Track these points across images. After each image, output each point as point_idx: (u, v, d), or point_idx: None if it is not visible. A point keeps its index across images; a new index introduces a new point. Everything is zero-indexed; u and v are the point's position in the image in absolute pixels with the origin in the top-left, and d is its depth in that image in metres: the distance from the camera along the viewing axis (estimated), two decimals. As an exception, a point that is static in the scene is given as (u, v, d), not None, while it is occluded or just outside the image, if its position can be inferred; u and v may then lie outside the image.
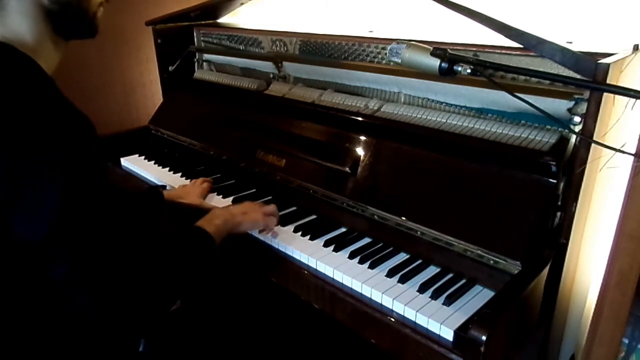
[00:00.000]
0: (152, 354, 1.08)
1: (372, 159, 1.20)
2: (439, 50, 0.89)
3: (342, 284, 1.02)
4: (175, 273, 0.87)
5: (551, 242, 0.96)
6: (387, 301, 0.95)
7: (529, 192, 0.96)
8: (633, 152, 0.82)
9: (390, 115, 1.26)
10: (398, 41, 0.94)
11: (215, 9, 1.86)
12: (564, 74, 0.90)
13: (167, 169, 1.60)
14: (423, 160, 1.13)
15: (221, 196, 1.39)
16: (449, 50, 0.89)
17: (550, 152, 0.98)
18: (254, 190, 1.42)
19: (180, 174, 1.56)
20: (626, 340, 1.10)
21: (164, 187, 1.43)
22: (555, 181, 0.95)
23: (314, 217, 1.27)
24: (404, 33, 1.28)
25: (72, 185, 0.73)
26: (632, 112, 0.86)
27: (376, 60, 1.31)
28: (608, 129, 0.93)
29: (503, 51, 1.06)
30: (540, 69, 0.98)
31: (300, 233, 1.18)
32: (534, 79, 1.02)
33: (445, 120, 1.16)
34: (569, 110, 0.98)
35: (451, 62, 0.88)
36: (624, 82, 0.93)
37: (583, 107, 0.93)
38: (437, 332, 0.87)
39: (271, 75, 1.63)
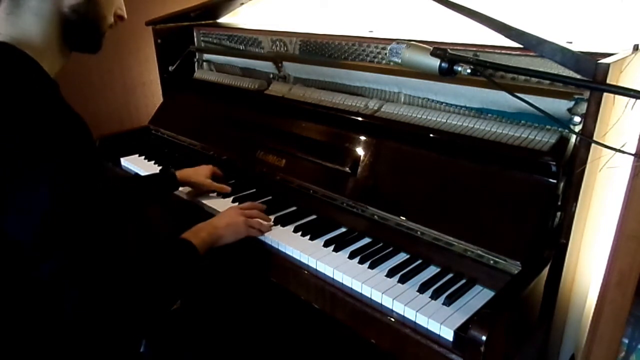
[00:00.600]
0: (153, 354, 1.08)
1: (372, 159, 1.20)
2: (439, 50, 0.89)
3: (342, 284, 1.02)
4: (160, 280, 0.89)
5: (551, 242, 0.96)
6: (387, 301, 0.95)
7: (529, 192, 0.96)
8: (633, 152, 0.82)
9: (390, 115, 1.25)
10: (398, 41, 0.94)
11: (215, 9, 1.86)
12: (564, 74, 0.90)
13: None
14: (423, 160, 1.13)
15: (221, 196, 1.39)
16: (449, 50, 0.89)
17: (550, 152, 0.98)
18: (254, 190, 1.42)
19: (180, 174, 1.56)
20: (626, 340, 1.10)
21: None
22: (555, 181, 0.95)
23: (314, 217, 1.27)
24: (404, 33, 1.28)
25: (64, 187, 0.73)
26: (632, 112, 0.86)
27: (376, 60, 1.31)
28: (608, 129, 0.93)
29: (503, 51, 1.06)
30: (540, 69, 0.97)
31: (300, 233, 1.18)
32: (534, 79, 1.02)
33: (445, 120, 1.16)
34: (569, 110, 0.98)
35: (451, 62, 0.88)
36: (624, 82, 0.93)
37: (583, 107, 0.93)
38: (437, 332, 0.87)
39: (271, 75, 1.63)
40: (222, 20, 1.97)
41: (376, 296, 0.97)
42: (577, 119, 0.96)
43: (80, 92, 2.00)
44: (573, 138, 0.99)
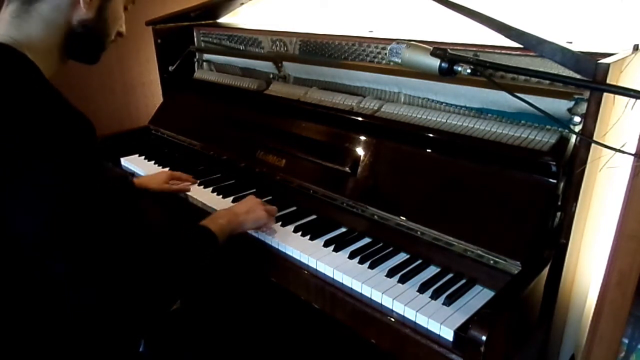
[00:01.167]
0: (152, 354, 1.08)
1: (372, 159, 1.20)
2: (439, 50, 0.89)
3: (342, 284, 1.02)
4: (178, 269, 0.88)
5: (551, 242, 0.96)
6: (387, 301, 0.95)
7: (529, 192, 0.96)
8: (633, 152, 0.82)
9: (390, 115, 1.25)
10: (398, 41, 0.94)
11: (215, 9, 1.86)
12: (564, 74, 0.90)
13: (167, 169, 1.60)
14: (423, 160, 1.13)
15: (221, 196, 1.39)
16: (449, 50, 0.89)
17: (550, 152, 0.98)
18: (254, 190, 1.42)
19: (180, 174, 1.56)
20: (626, 340, 1.10)
21: (132, 174, 1.47)
22: (555, 181, 0.95)
23: (314, 217, 1.27)
24: (404, 33, 1.28)
25: (64, 187, 0.73)
26: (632, 112, 0.86)
27: (376, 60, 1.31)
28: (608, 129, 0.93)
29: (503, 51, 1.06)
30: (540, 69, 0.97)
31: (300, 233, 1.18)
32: (534, 79, 1.02)
33: (445, 120, 1.16)
34: (569, 110, 0.98)
35: (451, 62, 0.88)
36: (624, 82, 0.93)
37: (583, 107, 0.93)
38: (437, 332, 0.87)
39: (271, 75, 1.63)
40: (222, 20, 1.97)
41: (376, 296, 0.97)
42: (577, 119, 0.96)
43: (80, 92, 2.00)
44: (573, 138, 0.99)
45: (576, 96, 0.97)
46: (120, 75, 2.15)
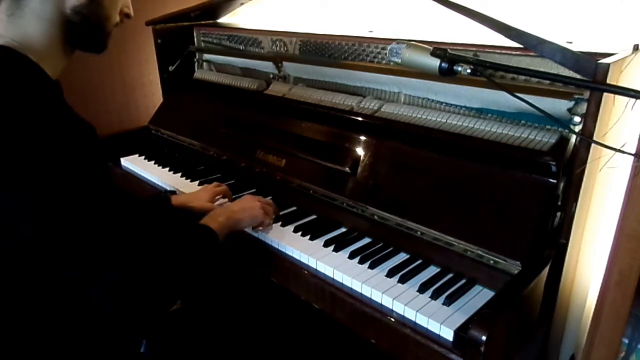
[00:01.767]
0: (153, 354, 1.09)
1: (372, 159, 1.20)
2: (439, 50, 0.89)
3: (342, 284, 1.02)
4: (181, 268, 0.88)
5: (551, 242, 0.96)
6: (387, 301, 0.95)
7: (529, 192, 0.96)
8: (633, 152, 0.82)
9: (390, 115, 1.25)
10: (398, 41, 0.94)
11: (215, 9, 1.86)
12: (564, 74, 0.90)
13: (167, 169, 1.60)
14: (423, 160, 1.13)
15: (221, 196, 1.39)
16: (449, 50, 0.89)
17: (550, 152, 0.98)
18: (254, 190, 1.42)
19: (180, 174, 1.56)
20: (626, 340, 1.10)
21: (173, 192, 1.40)
22: (555, 181, 0.95)
23: (314, 217, 1.27)
24: (404, 33, 1.28)
25: (72, 189, 0.73)
26: (632, 112, 0.86)
27: (376, 60, 1.31)
28: (608, 129, 0.93)
29: (503, 51, 1.06)
30: (540, 69, 0.97)
31: (300, 233, 1.18)
32: (534, 79, 1.02)
33: (445, 120, 1.16)
34: (569, 110, 0.98)
35: (451, 62, 0.88)
36: (624, 82, 0.93)
37: (583, 107, 0.93)
38: (437, 332, 0.87)
39: (271, 75, 1.63)
40: (222, 20, 1.97)
41: (376, 296, 0.97)
42: (577, 119, 0.96)
43: (80, 92, 2.00)
44: (573, 138, 0.99)
45: (576, 96, 0.97)
46: (120, 75, 2.15)
